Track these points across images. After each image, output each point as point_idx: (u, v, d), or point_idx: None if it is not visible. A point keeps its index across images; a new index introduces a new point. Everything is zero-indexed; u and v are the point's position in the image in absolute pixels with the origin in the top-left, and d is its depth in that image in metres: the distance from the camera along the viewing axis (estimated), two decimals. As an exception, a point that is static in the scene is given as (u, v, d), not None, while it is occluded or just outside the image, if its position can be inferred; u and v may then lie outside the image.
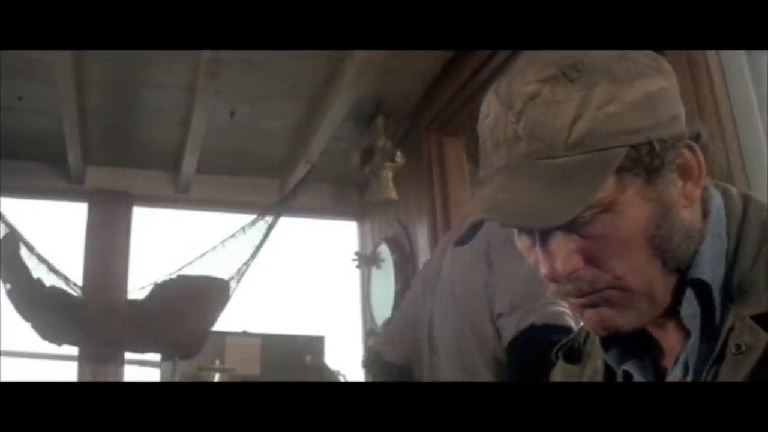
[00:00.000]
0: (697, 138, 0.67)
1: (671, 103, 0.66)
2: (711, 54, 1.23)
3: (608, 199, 0.62)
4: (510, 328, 1.20)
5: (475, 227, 0.66)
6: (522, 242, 0.69)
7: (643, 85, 0.64)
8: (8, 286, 2.47)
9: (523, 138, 0.63)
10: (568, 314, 1.19)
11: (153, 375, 2.74)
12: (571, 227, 0.63)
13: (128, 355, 2.74)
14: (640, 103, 0.63)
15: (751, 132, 1.15)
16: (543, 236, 0.65)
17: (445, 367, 1.34)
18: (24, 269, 2.49)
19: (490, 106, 0.68)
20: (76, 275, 2.67)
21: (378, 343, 1.70)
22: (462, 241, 0.69)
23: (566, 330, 1.15)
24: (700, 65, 1.24)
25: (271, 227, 2.73)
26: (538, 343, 1.09)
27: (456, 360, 1.32)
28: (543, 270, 0.66)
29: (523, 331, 1.18)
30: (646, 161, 0.62)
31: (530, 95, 0.64)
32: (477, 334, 1.28)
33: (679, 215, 0.65)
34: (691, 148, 0.66)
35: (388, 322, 2.56)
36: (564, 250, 0.64)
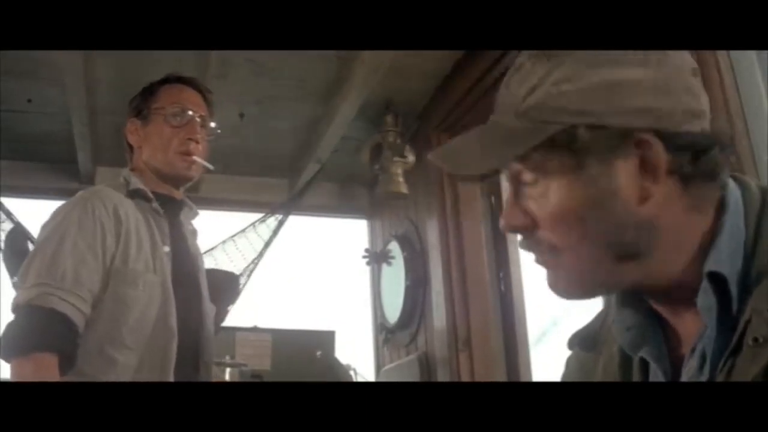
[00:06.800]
0: (718, 136, 0.68)
1: (643, 96, 0.65)
2: (721, 54, 1.25)
3: (538, 170, 0.67)
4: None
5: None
6: None
7: (609, 73, 0.65)
8: (15, 278, 2.46)
9: (497, 105, 0.70)
10: (58, 296, 1.37)
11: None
12: (520, 192, 0.70)
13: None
14: (597, 88, 0.64)
15: (761, 130, 1.17)
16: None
17: None
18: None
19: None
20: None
21: None
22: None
23: (44, 310, 1.36)
24: (710, 65, 1.24)
25: (280, 224, 2.73)
26: (20, 319, 1.38)
27: None
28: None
29: (13, 307, 1.41)
30: (580, 143, 0.64)
31: (516, 67, 0.70)
32: None
33: (626, 206, 0.65)
34: (648, 144, 0.65)
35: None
36: (509, 207, 0.71)
